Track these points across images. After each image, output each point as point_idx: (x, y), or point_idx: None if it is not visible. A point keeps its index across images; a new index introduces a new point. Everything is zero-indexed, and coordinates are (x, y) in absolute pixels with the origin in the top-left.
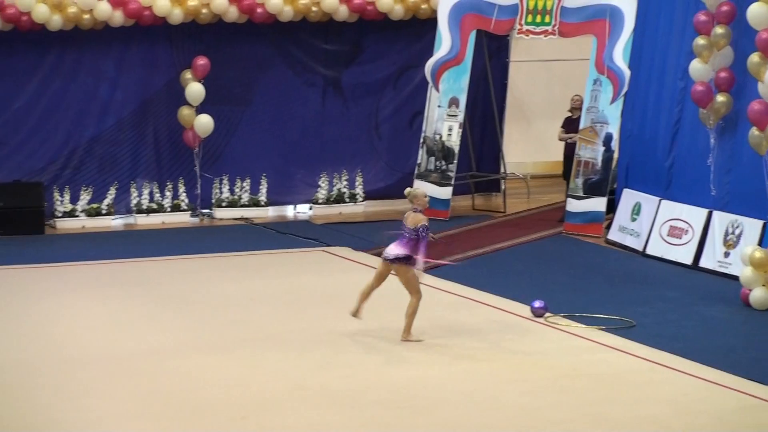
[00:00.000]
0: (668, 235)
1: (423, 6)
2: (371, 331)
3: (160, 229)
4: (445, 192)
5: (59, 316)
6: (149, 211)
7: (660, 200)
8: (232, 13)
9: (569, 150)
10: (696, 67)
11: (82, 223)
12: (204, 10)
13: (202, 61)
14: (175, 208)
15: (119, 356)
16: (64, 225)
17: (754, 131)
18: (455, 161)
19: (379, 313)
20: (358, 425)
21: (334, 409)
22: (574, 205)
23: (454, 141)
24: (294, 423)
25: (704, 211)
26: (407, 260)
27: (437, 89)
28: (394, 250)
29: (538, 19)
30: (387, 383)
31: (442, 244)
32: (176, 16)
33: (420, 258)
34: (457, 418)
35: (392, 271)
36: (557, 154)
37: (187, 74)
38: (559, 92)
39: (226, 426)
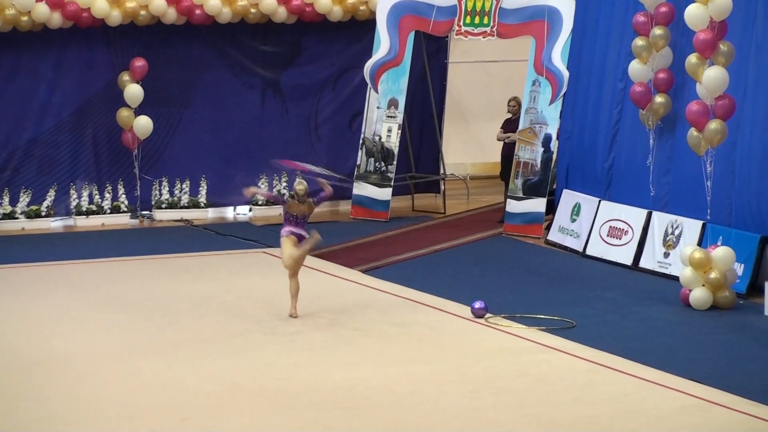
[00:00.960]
0: (608, 236)
1: (362, 7)
2: (309, 333)
3: (99, 231)
4: (384, 193)
5: None
6: (89, 212)
7: (600, 201)
8: (171, 15)
9: (507, 150)
10: (635, 67)
11: (21, 224)
12: (143, 12)
13: (140, 63)
14: (115, 209)
15: (56, 359)
16: (4, 227)
17: (692, 132)
18: (395, 162)
19: (316, 315)
20: (298, 427)
21: (273, 410)
22: (513, 206)
23: (393, 142)
24: (234, 425)
25: (644, 212)
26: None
27: (376, 90)
28: (300, 230)
29: (477, 20)
30: (326, 385)
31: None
32: (115, 17)
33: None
34: (396, 420)
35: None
36: (496, 155)
37: (126, 76)
38: (498, 93)
39: (166, 428)
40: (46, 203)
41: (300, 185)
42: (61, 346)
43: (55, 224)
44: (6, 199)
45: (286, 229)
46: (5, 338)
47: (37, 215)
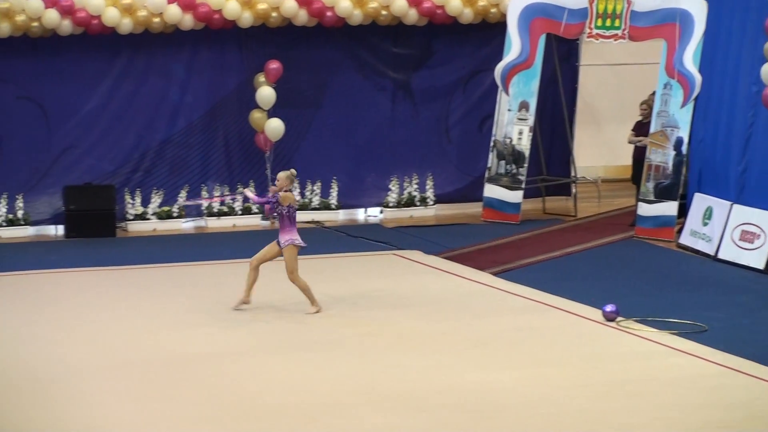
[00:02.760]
0: (740, 240)
1: (493, 10)
2: (439, 335)
3: (230, 232)
4: (515, 196)
5: (128, 318)
6: (220, 214)
7: (732, 204)
8: (302, 17)
9: (638, 154)
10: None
11: (153, 225)
12: (274, 14)
13: (274, 65)
14: (246, 211)
15: (186, 359)
16: (135, 228)
17: None
18: (525, 165)
19: (446, 317)
20: (426, 429)
21: (401, 412)
22: (645, 209)
23: (524, 145)
24: (362, 427)
25: None
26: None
27: (507, 93)
28: (283, 237)
29: (608, 23)
30: (454, 387)
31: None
32: (246, 19)
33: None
34: (525, 423)
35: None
36: (627, 158)
37: (260, 78)
38: (629, 96)
39: (294, 429)
40: (177, 204)
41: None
42: (189, 346)
43: (186, 225)
44: (138, 200)
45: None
46: (138, 338)
47: (168, 216)
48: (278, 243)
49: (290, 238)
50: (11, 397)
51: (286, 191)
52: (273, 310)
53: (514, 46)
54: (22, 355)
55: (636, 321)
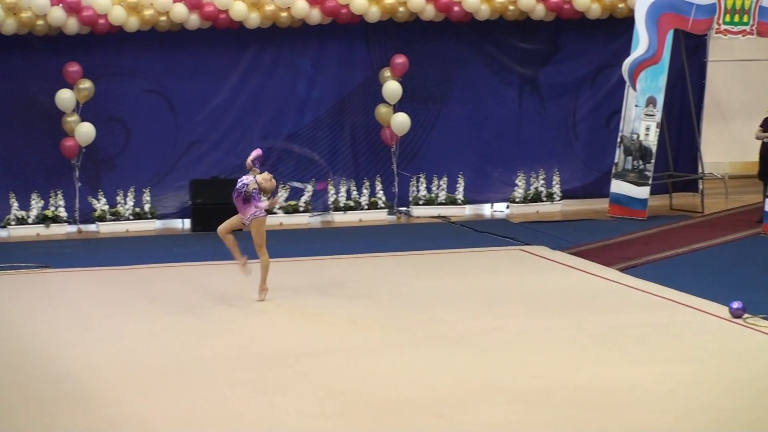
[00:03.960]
0: None
1: (620, 5)
2: (564, 331)
3: (356, 227)
4: (642, 192)
5: (253, 312)
6: (346, 208)
7: None
8: (429, 12)
9: (766, 150)
10: None
11: (279, 220)
12: (401, 9)
13: (400, 60)
14: (372, 205)
15: (312, 353)
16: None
17: None
18: (652, 161)
19: (571, 313)
20: (552, 425)
21: (527, 408)
22: None
23: (651, 140)
24: (488, 422)
25: None
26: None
27: (634, 88)
28: (247, 213)
29: (736, 18)
30: (579, 383)
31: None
32: (373, 14)
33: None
34: (650, 420)
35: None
36: (754, 154)
37: (386, 72)
38: (757, 92)
39: (420, 425)
40: (303, 199)
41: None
42: (315, 341)
43: (312, 220)
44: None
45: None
46: (263, 332)
47: (294, 211)
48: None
49: (253, 212)
50: (159, 384)
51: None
52: (399, 306)
53: (641, 42)
54: (157, 347)
55: (763, 318)
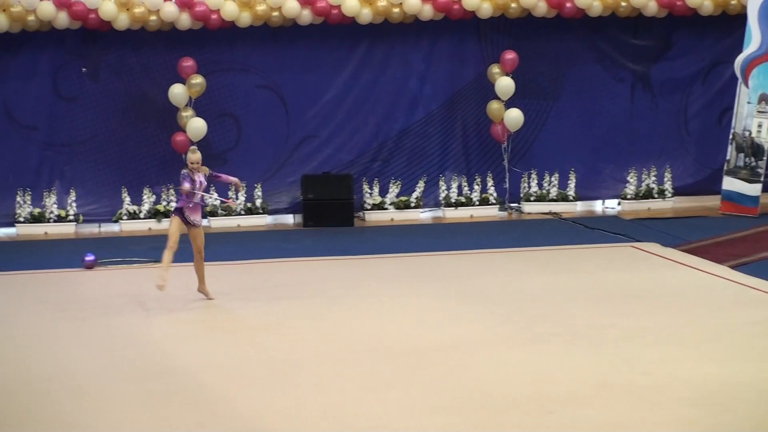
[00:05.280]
0: None
1: (733, 2)
2: (676, 328)
3: (468, 223)
4: (754, 189)
5: (366, 308)
6: (458, 204)
7: None
8: (541, 8)
9: None
10: None
11: (390, 215)
12: (513, 5)
13: (510, 55)
14: (484, 201)
15: (424, 349)
16: (373, 217)
17: None
18: (765, 158)
19: (681, 309)
20: (663, 422)
21: (639, 405)
22: None
23: (763, 138)
24: (600, 419)
25: None
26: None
27: (747, 85)
28: (198, 216)
29: None
30: (690, 380)
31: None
32: (485, 10)
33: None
34: (763, 418)
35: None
36: None
37: (496, 68)
38: None
39: (531, 421)
40: (415, 194)
41: (194, 153)
42: (427, 337)
43: (424, 215)
44: (376, 190)
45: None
46: (375, 328)
47: (406, 206)
48: (189, 221)
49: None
50: (268, 380)
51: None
52: (510, 303)
53: (754, 39)
54: (266, 342)
55: None
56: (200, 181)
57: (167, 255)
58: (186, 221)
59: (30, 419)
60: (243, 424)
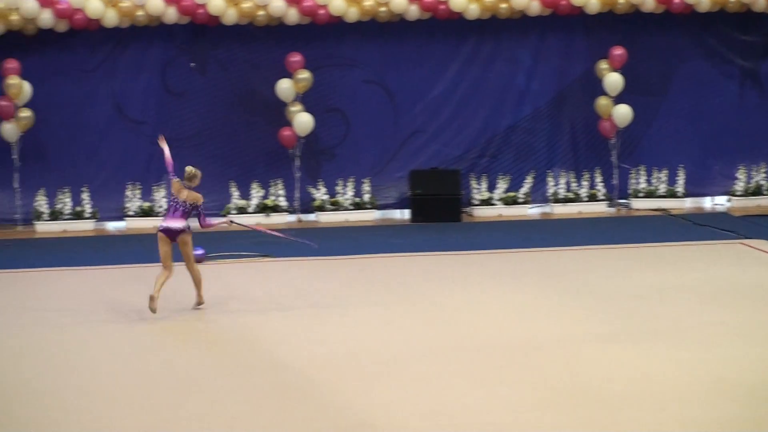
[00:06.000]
0: None
1: None
2: None
3: (575, 219)
4: None
5: (474, 303)
6: (565, 200)
7: None
8: (649, 3)
9: None
10: None
11: (498, 211)
12: (621, 0)
13: (618, 51)
14: (592, 197)
15: (532, 345)
16: (481, 213)
17: None
18: None
19: None
20: None
21: (750, 403)
22: None
23: None
24: (711, 417)
25: None
26: (185, 231)
27: None
28: (176, 224)
29: None
30: None
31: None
32: (593, 5)
33: (211, 222)
34: None
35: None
36: None
37: (604, 64)
38: None
39: (641, 417)
40: (523, 190)
41: (191, 169)
42: (535, 332)
43: (532, 211)
44: (483, 186)
45: (162, 224)
46: (483, 323)
47: (514, 202)
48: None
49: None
50: (377, 374)
51: (187, 186)
52: (618, 299)
53: None
54: (375, 337)
55: None
56: (178, 200)
57: (161, 277)
58: (169, 234)
59: (146, 411)
60: (351, 418)
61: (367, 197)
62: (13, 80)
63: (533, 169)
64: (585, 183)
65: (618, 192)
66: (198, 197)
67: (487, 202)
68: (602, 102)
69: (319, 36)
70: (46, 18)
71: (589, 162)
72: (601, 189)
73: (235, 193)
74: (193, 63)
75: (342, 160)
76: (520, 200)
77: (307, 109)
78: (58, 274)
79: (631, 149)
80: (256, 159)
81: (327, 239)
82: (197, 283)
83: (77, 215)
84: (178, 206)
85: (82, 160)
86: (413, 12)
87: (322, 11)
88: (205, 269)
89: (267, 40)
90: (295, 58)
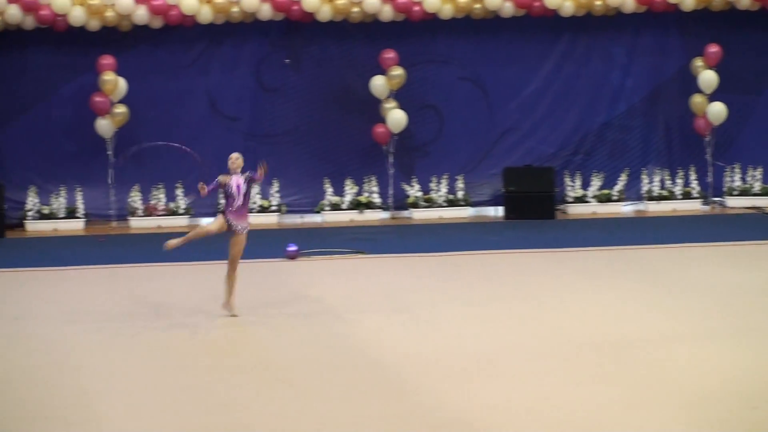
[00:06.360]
0: None
1: None
2: None
3: (669, 217)
4: None
5: (567, 301)
6: (660, 198)
7: None
8: (745, 1)
9: None
10: None
11: (592, 209)
12: None
13: (714, 49)
14: (686, 195)
15: (623, 343)
16: (575, 210)
17: None
18: None
19: None
20: None
21: None
22: None
23: None
24: None
25: None
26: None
27: None
28: (243, 222)
29: None
30: None
31: None
32: (688, 2)
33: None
34: None
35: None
36: None
37: (699, 61)
38: None
39: (734, 416)
40: (617, 188)
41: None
42: (627, 329)
43: (626, 209)
44: (577, 183)
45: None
46: (575, 321)
47: (608, 199)
48: (231, 226)
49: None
50: (473, 372)
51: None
52: (713, 296)
53: None
54: (471, 334)
55: None
56: (237, 184)
57: (200, 231)
58: (229, 225)
59: (237, 406)
60: (445, 416)
61: (460, 194)
62: (109, 76)
63: (627, 166)
64: (679, 181)
65: (712, 190)
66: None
67: (580, 200)
68: (697, 99)
69: (414, 33)
70: (141, 14)
71: (684, 159)
72: (695, 187)
73: (329, 189)
74: (287, 59)
75: (436, 156)
76: (614, 198)
77: (401, 106)
78: (152, 270)
79: (725, 147)
80: (349, 156)
81: (420, 236)
82: (233, 287)
83: (171, 212)
84: (239, 193)
85: (176, 156)
86: (508, 9)
87: (416, 8)
88: (300, 265)
89: (361, 36)
90: (389, 54)
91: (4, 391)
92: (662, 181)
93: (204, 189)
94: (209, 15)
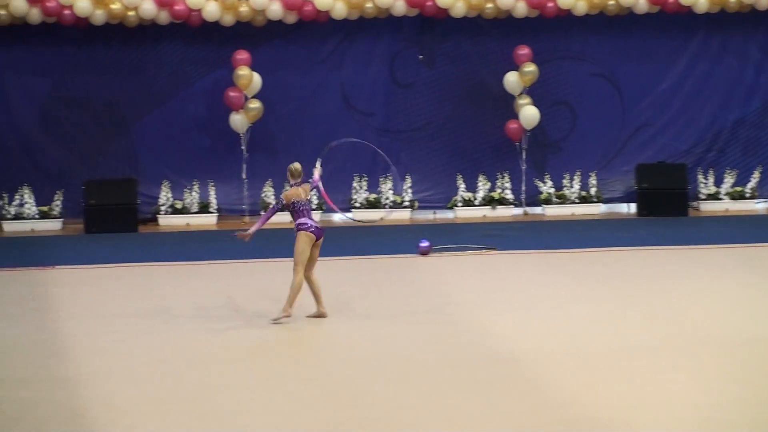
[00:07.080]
0: None
1: None
2: None
3: None
4: None
5: (698, 298)
6: None
7: None
8: None
9: None
10: None
11: (725, 206)
12: None
13: None
14: None
15: (757, 340)
16: (707, 207)
17: None
18: None
19: None
20: None
21: None
22: None
23: None
24: None
25: None
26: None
27: None
28: (317, 222)
29: None
30: None
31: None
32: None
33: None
34: None
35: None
36: None
37: None
38: None
39: None
40: (750, 185)
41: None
42: (760, 326)
43: (759, 206)
44: (710, 180)
45: (309, 224)
46: (704, 318)
47: (741, 196)
48: (319, 236)
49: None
50: (599, 369)
51: (291, 188)
52: None
53: None
54: (600, 331)
55: None
56: (307, 195)
57: (298, 278)
58: (316, 236)
59: (360, 402)
60: (574, 412)
61: (593, 191)
62: (243, 71)
63: (761, 163)
64: None
65: None
66: (287, 196)
67: (713, 197)
68: None
69: (547, 29)
70: (275, 9)
71: None
72: None
73: (462, 185)
74: (421, 55)
75: (568, 153)
76: (747, 195)
77: (534, 102)
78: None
79: None
80: (482, 152)
81: (552, 233)
82: (319, 293)
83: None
84: (308, 206)
85: (310, 151)
86: (642, 5)
87: (550, 4)
88: (431, 261)
89: (495, 32)
90: (523, 51)
91: (145, 389)
92: None
93: (247, 233)
94: (343, 11)
